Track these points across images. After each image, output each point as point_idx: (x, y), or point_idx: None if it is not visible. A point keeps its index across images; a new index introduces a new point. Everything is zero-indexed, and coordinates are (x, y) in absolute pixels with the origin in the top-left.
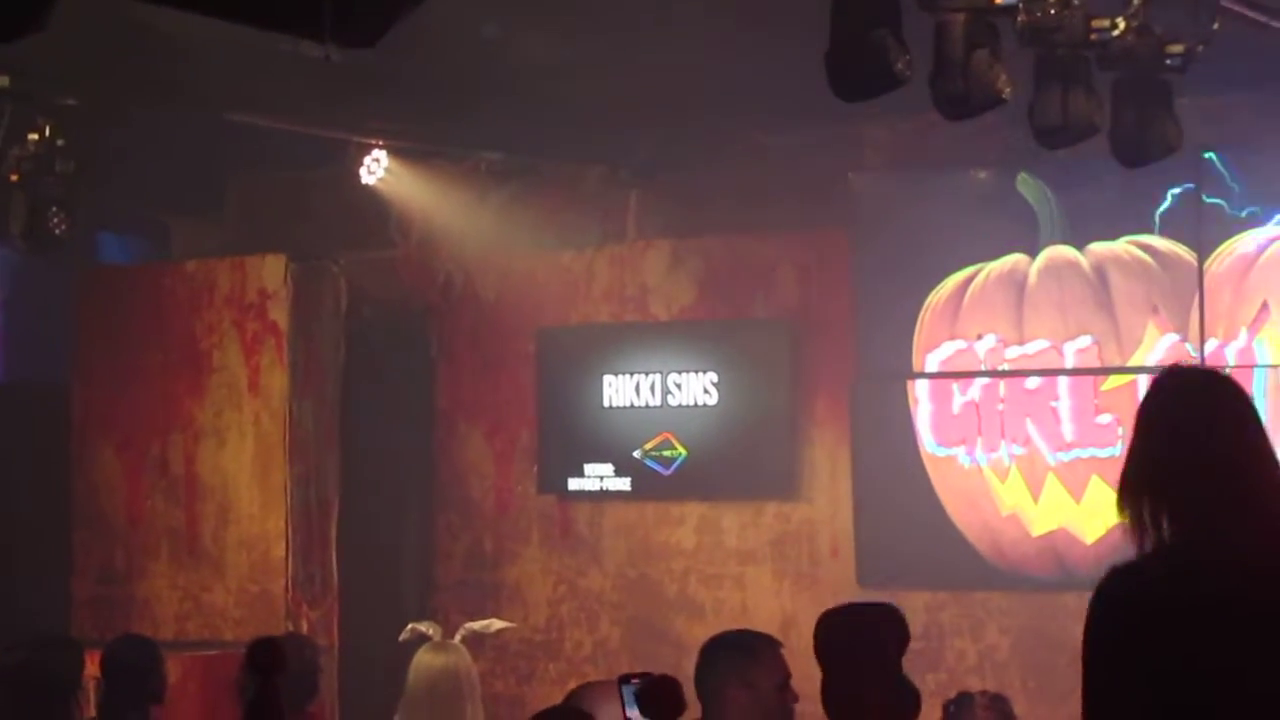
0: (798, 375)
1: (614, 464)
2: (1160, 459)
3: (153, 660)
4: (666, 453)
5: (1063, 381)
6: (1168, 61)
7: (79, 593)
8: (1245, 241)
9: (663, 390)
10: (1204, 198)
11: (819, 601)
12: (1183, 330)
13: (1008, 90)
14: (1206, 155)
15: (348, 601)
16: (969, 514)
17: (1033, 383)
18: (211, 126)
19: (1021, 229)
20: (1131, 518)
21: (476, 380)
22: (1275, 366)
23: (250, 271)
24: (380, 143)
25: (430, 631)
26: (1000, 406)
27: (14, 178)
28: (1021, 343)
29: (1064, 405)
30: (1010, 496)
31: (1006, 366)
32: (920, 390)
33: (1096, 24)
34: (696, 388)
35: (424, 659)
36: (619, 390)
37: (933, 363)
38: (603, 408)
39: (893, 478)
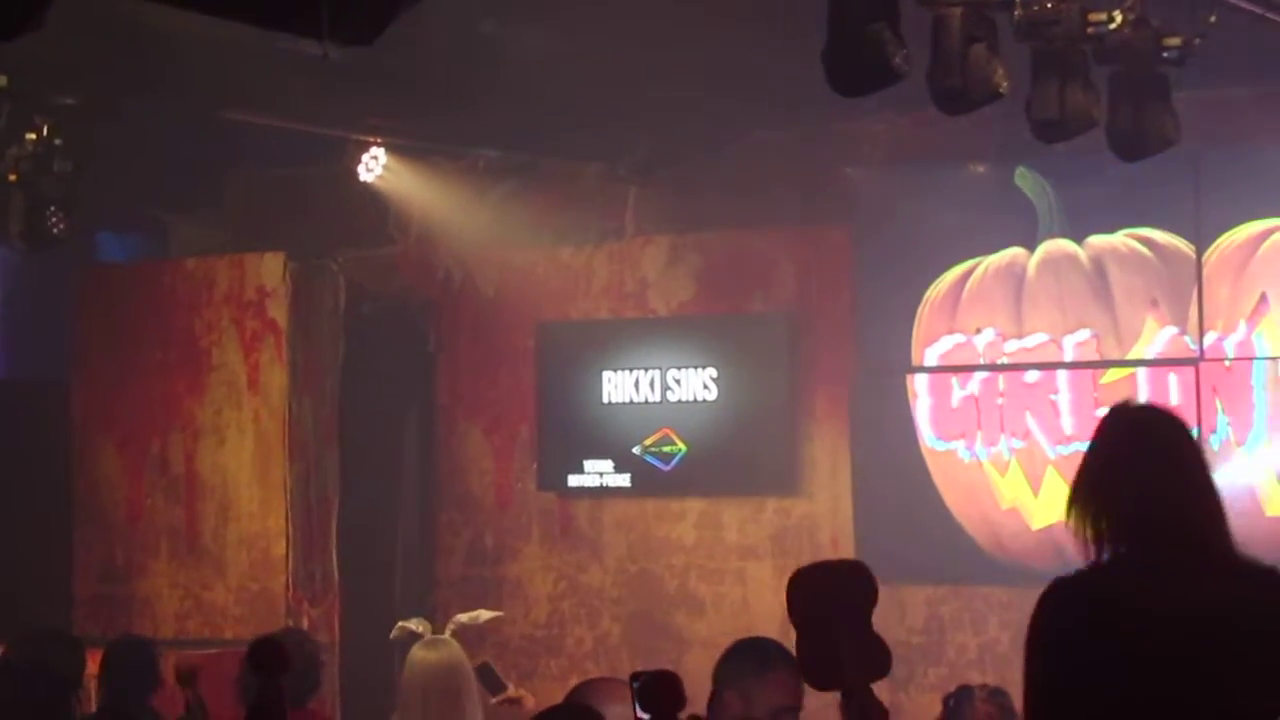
0: (797, 370)
1: (614, 460)
2: (1101, 483)
3: (151, 660)
4: (666, 448)
5: (1062, 375)
6: (1165, 55)
7: (80, 591)
8: (1243, 234)
9: (662, 386)
10: (1202, 191)
11: None
12: (1181, 323)
13: (1005, 84)
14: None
15: (348, 598)
16: (969, 508)
17: (1032, 376)
18: (209, 124)
19: (1020, 223)
20: (1077, 534)
21: (476, 376)
22: (1274, 359)
23: (249, 269)
24: (378, 140)
25: (420, 629)
26: (1000, 400)
27: (12, 177)
28: (1020, 336)
29: (1063, 398)
30: (1010, 490)
31: (1005, 360)
32: (919, 385)
33: (1093, 18)
34: (696, 383)
35: (418, 656)
36: (618, 386)
37: (932, 357)
38: (602, 403)
39: (893, 472)
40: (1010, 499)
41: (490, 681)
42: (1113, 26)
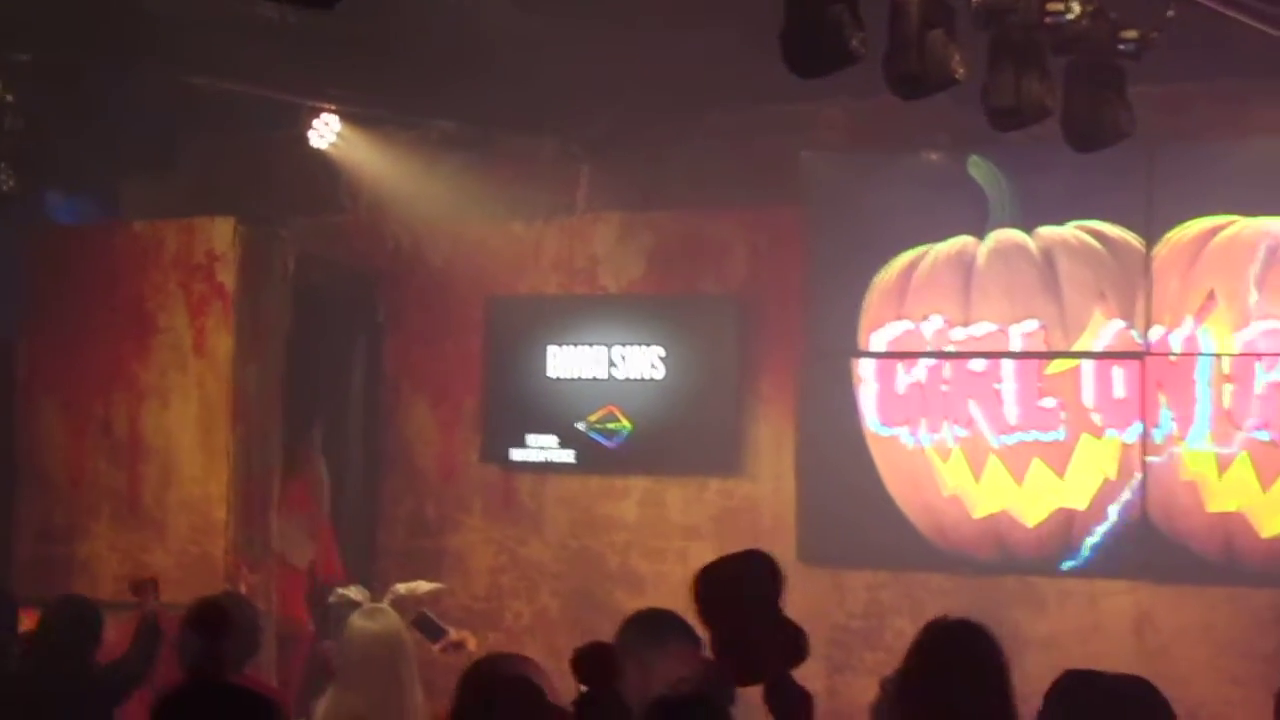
0: (744, 352)
1: (558, 435)
2: (911, 694)
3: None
4: (611, 426)
5: (1007, 364)
6: (1121, 47)
7: (19, 552)
8: (1193, 230)
9: (609, 363)
10: (1154, 186)
11: None
12: (1129, 317)
13: (961, 71)
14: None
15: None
16: (911, 494)
17: (978, 365)
18: (164, 87)
19: (971, 212)
20: None
21: (423, 347)
22: (1219, 355)
23: (199, 233)
24: (333, 107)
25: (359, 597)
26: (944, 388)
27: None
28: (967, 324)
29: (1008, 388)
30: (952, 477)
31: (952, 348)
32: (866, 370)
33: (1051, 7)
34: (643, 361)
35: (358, 625)
36: (565, 362)
37: (879, 342)
38: (548, 378)
39: (836, 456)
40: (952, 486)
41: (430, 629)
42: (1070, 17)
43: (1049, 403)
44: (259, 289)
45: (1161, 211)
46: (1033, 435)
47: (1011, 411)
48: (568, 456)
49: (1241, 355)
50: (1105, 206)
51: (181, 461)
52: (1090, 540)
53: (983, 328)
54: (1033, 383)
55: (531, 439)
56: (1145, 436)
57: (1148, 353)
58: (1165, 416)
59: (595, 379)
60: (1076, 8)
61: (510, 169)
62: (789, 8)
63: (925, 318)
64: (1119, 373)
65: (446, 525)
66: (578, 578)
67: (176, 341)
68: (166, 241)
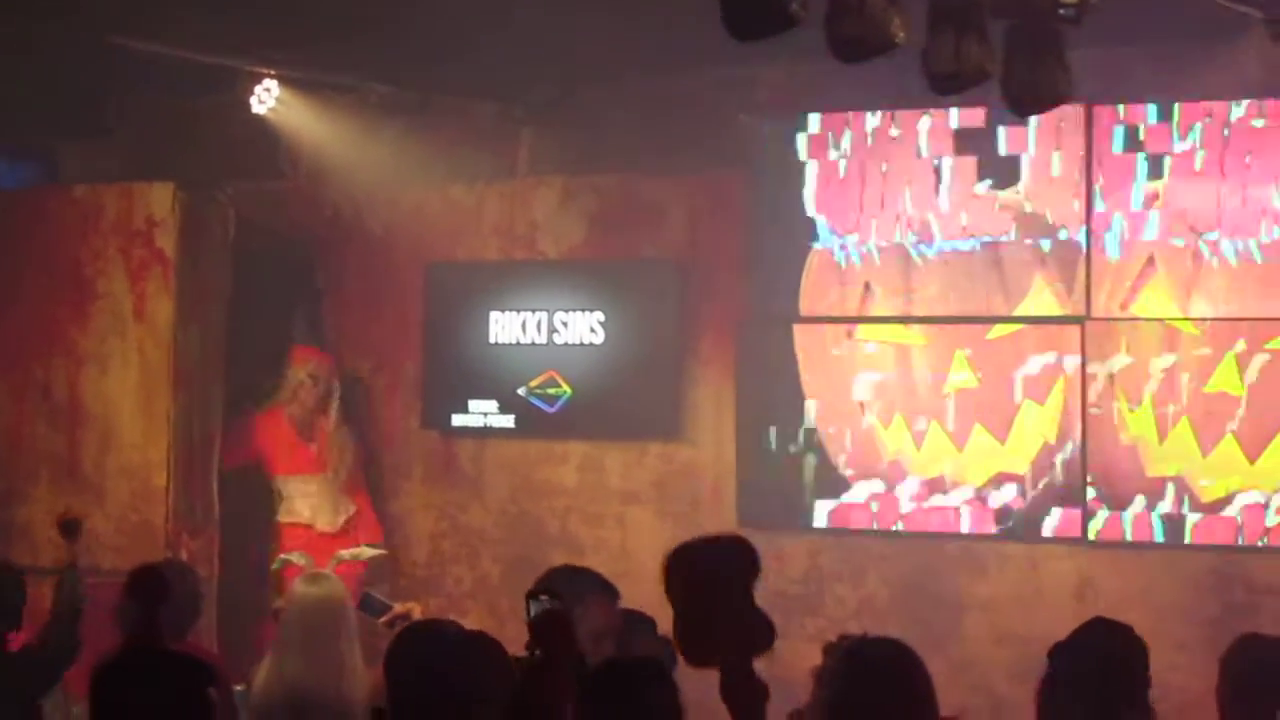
0: (685, 317)
1: (498, 401)
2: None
3: (14, 586)
4: (551, 391)
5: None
6: (1061, 11)
7: None
8: (1134, 196)
9: (549, 328)
10: (1093, 150)
11: None
12: (1069, 282)
13: (902, 34)
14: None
15: (228, 532)
16: (852, 459)
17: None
18: (102, 51)
19: None
20: None
21: (363, 313)
22: (1159, 320)
23: (138, 199)
24: (272, 72)
25: (302, 562)
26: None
27: None
28: (909, 290)
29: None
30: (893, 443)
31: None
32: (806, 335)
33: None
34: (583, 326)
35: (299, 590)
36: (505, 327)
37: (820, 307)
38: (489, 344)
39: (777, 421)
40: (893, 452)
41: (375, 607)
42: None
43: (990, 369)
44: (199, 254)
45: (1101, 176)
46: (973, 400)
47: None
48: (507, 422)
49: (1181, 320)
50: (1045, 172)
51: (122, 427)
52: (1030, 505)
53: (924, 293)
54: (974, 348)
55: (473, 404)
56: (1085, 401)
57: (1088, 318)
58: (1105, 381)
59: (535, 344)
60: None
61: (450, 133)
62: None
63: (867, 285)
64: (1060, 338)
65: (387, 491)
66: (518, 543)
67: (116, 307)
68: (106, 207)
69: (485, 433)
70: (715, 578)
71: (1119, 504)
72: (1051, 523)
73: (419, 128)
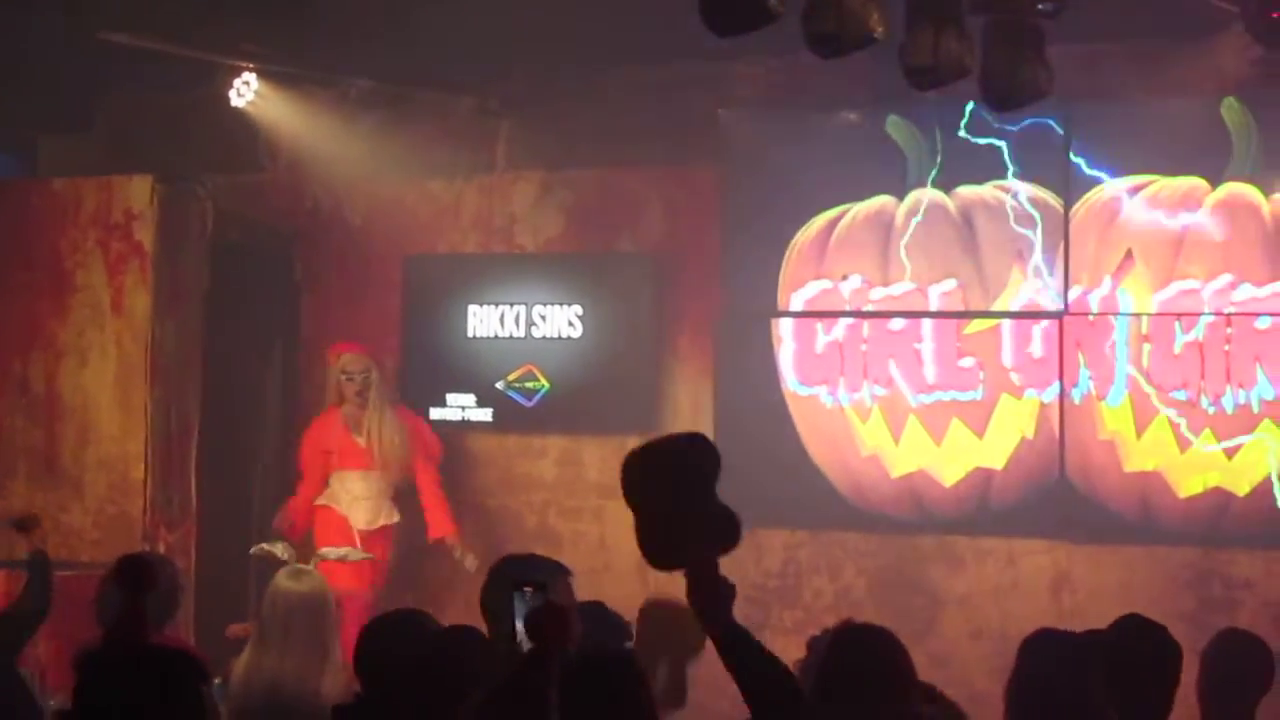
0: (663, 311)
1: (476, 394)
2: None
3: None
4: (529, 384)
5: (926, 324)
6: (1040, 6)
7: None
8: (1112, 189)
9: (527, 322)
10: (1072, 144)
11: None
12: (1047, 277)
13: (880, 29)
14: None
15: (206, 525)
16: (829, 453)
17: (897, 324)
18: (82, 44)
19: (890, 171)
20: None
21: (341, 306)
22: (1137, 315)
23: (117, 191)
24: (251, 65)
25: (284, 555)
26: (864, 347)
27: None
28: (886, 284)
29: (927, 347)
30: (871, 437)
31: (871, 307)
32: (784, 329)
33: None
34: (561, 320)
35: (283, 585)
36: (484, 320)
37: (798, 302)
38: (467, 338)
39: (754, 416)
40: (871, 446)
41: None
42: None
43: (968, 362)
44: (177, 247)
45: (1079, 171)
46: (951, 395)
47: (930, 371)
48: (485, 415)
49: (1160, 315)
50: (1024, 166)
51: (99, 420)
52: (1007, 500)
53: (901, 287)
54: (952, 342)
55: (451, 398)
56: (1063, 396)
57: (1066, 312)
58: (1083, 376)
59: (514, 338)
60: None
61: (428, 126)
62: None
63: (844, 277)
64: (1037, 332)
65: None
66: (496, 537)
67: (94, 300)
68: (84, 200)
69: (463, 426)
70: (675, 476)
71: (1096, 499)
72: (1029, 517)
73: (397, 121)
